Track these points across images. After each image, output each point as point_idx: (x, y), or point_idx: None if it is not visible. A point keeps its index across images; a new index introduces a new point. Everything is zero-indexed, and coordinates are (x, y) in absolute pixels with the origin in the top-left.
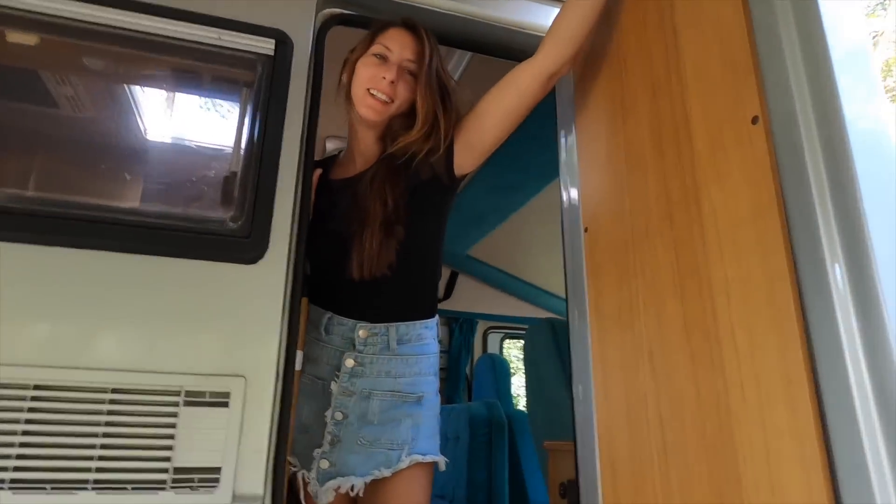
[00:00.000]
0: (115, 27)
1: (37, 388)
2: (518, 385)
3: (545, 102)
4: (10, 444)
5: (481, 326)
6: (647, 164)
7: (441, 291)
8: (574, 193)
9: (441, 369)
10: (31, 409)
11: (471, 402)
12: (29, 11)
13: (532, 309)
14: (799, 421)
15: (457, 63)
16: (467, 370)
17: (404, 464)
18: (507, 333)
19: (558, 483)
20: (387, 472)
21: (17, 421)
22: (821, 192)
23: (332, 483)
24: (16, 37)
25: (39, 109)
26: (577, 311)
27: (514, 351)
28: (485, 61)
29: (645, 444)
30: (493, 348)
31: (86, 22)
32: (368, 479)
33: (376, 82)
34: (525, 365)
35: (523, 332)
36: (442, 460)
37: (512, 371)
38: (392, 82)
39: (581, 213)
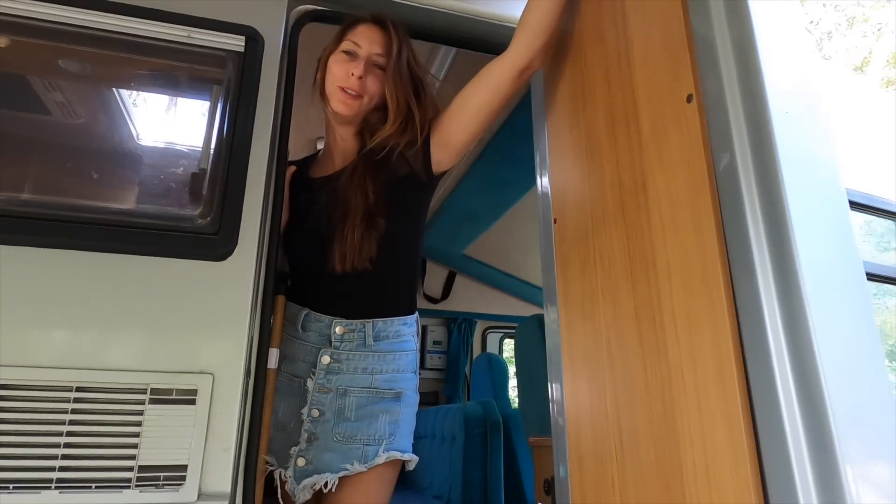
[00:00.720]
0: (84, 27)
1: (1, 387)
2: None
3: (529, 98)
4: None
5: (480, 326)
6: (602, 151)
7: (439, 292)
8: (546, 184)
9: (440, 370)
10: None
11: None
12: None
13: (530, 308)
14: (728, 405)
15: (442, 60)
16: (466, 370)
17: (381, 459)
18: (506, 333)
19: (542, 479)
20: (361, 468)
21: None
22: (746, 172)
23: (308, 481)
24: None
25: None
26: (549, 304)
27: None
28: (470, 57)
29: (605, 437)
30: (492, 348)
31: (55, 23)
32: (342, 473)
33: (345, 78)
34: (516, 362)
35: None
36: (415, 460)
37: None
38: (360, 77)
39: (551, 203)
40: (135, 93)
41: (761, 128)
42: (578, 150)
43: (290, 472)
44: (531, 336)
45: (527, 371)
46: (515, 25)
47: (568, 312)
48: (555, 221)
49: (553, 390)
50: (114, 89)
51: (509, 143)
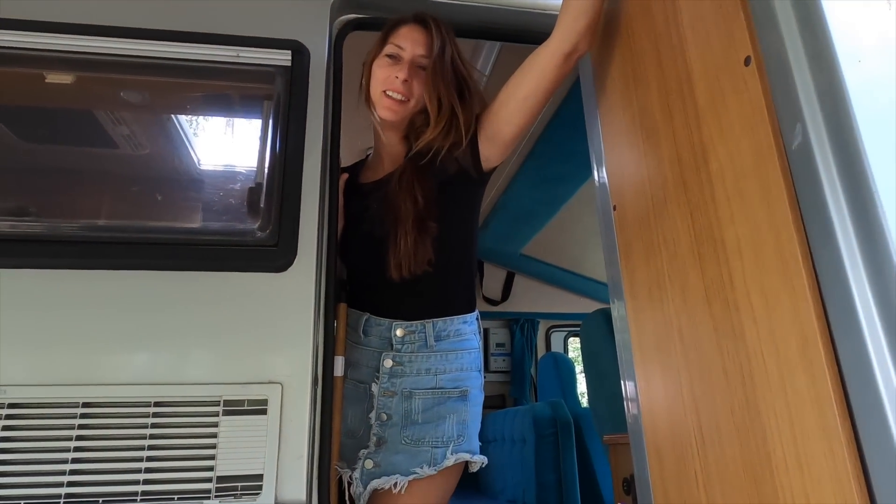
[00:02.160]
0: (142, 57)
1: (85, 405)
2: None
3: (579, 87)
4: (63, 461)
5: (543, 326)
6: (658, 129)
7: (499, 293)
8: (603, 172)
9: (505, 372)
10: (80, 426)
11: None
12: (62, 52)
13: (594, 304)
14: (818, 387)
15: (486, 56)
16: (532, 371)
17: (450, 461)
18: (570, 331)
19: (621, 478)
20: (431, 471)
21: (68, 438)
22: (818, 134)
23: (376, 482)
24: (53, 77)
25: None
26: (615, 296)
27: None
28: (515, 51)
29: (684, 430)
30: (557, 347)
31: (115, 55)
32: (411, 477)
33: (390, 83)
34: (583, 359)
35: None
36: (485, 461)
37: (579, 372)
38: (405, 81)
39: (609, 190)
40: (192, 117)
41: (832, 84)
42: (633, 132)
43: (357, 474)
44: (597, 331)
45: (595, 368)
46: (556, 13)
47: (635, 302)
48: (614, 208)
49: (626, 386)
50: (172, 116)
51: (560, 136)
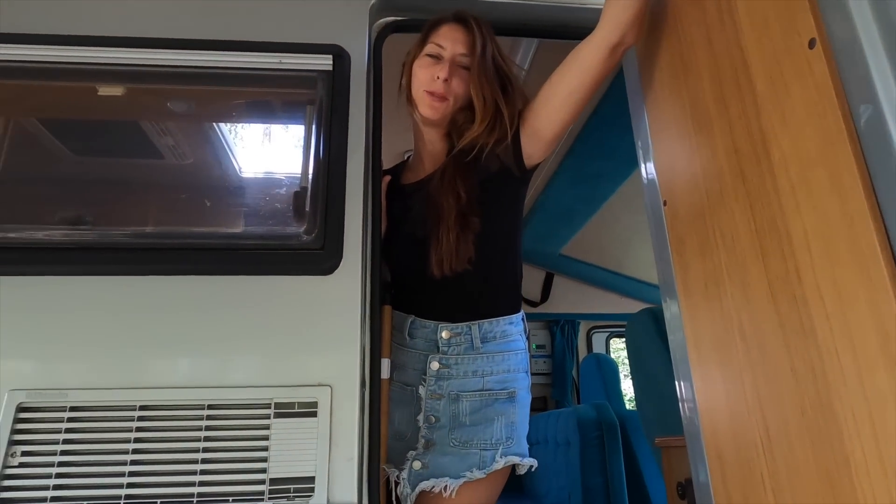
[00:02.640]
0: (188, 67)
1: (142, 408)
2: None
3: (619, 83)
4: (123, 462)
5: (584, 327)
6: (712, 121)
7: (538, 294)
8: (651, 167)
9: (546, 374)
10: (138, 429)
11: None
12: (112, 64)
13: (637, 304)
14: None
15: (523, 54)
16: (574, 373)
17: (499, 465)
18: (612, 332)
19: (674, 482)
20: (480, 474)
21: (127, 440)
22: (894, 115)
23: (425, 484)
24: (105, 90)
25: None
26: (667, 295)
27: (623, 351)
28: (552, 47)
29: (747, 432)
30: (598, 348)
31: (162, 66)
32: (461, 481)
33: (432, 82)
34: (629, 360)
35: None
36: (535, 464)
37: (624, 373)
38: (446, 80)
39: (658, 185)
40: (235, 124)
41: None
42: (683, 124)
43: (404, 475)
44: (644, 331)
45: (642, 369)
46: (595, 6)
47: (689, 300)
48: (664, 204)
49: (682, 388)
50: (215, 126)
51: (600, 133)
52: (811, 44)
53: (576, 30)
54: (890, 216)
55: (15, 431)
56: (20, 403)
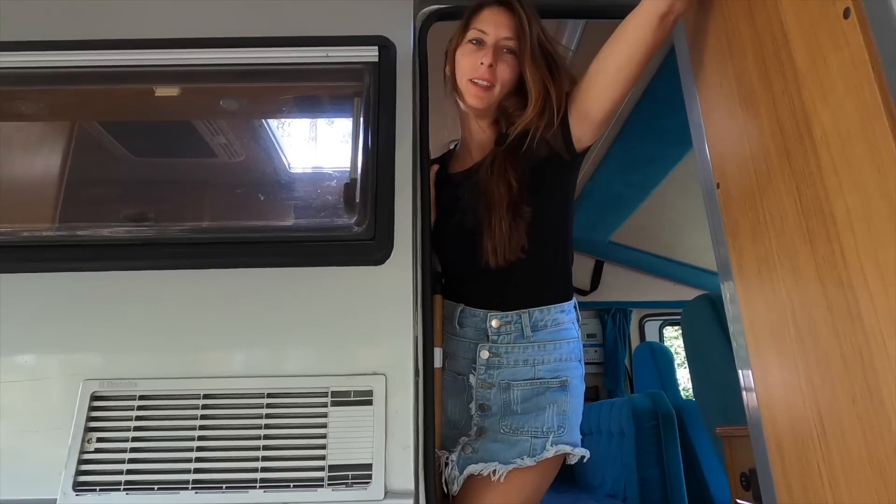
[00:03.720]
0: (239, 65)
1: (206, 396)
2: (685, 375)
3: (672, 61)
4: (189, 449)
5: (636, 315)
6: (757, 99)
7: (587, 283)
8: (704, 149)
9: (598, 363)
10: (202, 417)
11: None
12: (165, 66)
13: (691, 291)
14: None
15: (570, 36)
16: (626, 362)
17: (549, 453)
18: (665, 320)
19: (738, 473)
20: (530, 462)
21: (192, 428)
22: None
23: (474, 468)
24: (161, 91)
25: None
26: (724, 279)
27: (679, 339)
28: (599, 28)
29: (803, 421)
30: (651, 337)
31: (215, 65)
32: (511, 467)
33: (475, 69)
34: (686, 349)
35: None
36: (587, 454)
37: (678, 362)
38: (490, 66)
39: (712, 167)
40: (284, 121)
41: None
42: (731, 103)
43: (454, 457)
44: (701, 318)
45: (700, 357)
46: None
47: (745, 285)
48: (717, 186)
49: (743, 375)
50: (265, 123)
51: (651, 115)
52: (846, 13)
53: (622, 8)
54: None
55: (90, 419)
56: (94, 392)
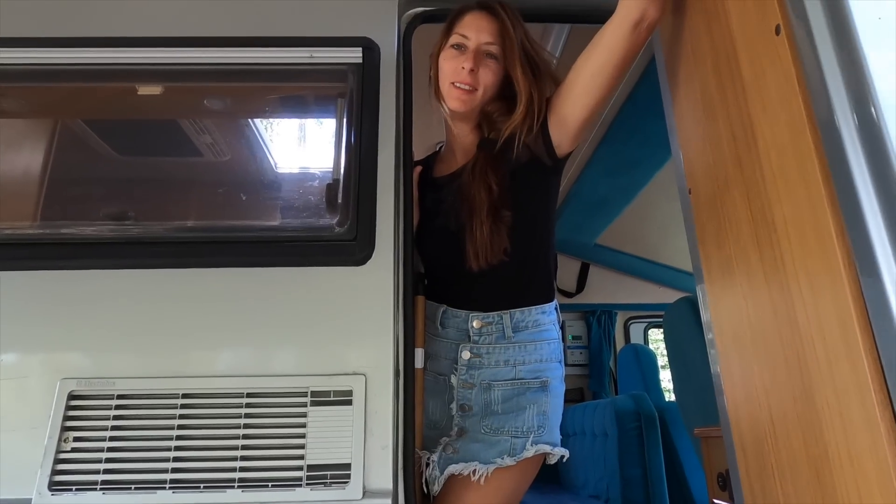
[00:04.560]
0: (222, 64)
1: (184, 396)
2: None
3: (654, 66)
4: (167, 448)
5: (621, 318)
6: (715, 106)
7: (573, 285)
8: (679, 155)
9: (583, 365)
10: (181, 416)
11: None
12: (149, 64)
13: (675, 294)
14: (858, 376)
15: (555, 41)
16: (611, 364)
17: (529, 452)
18: (650, 322)
19: (715, 473)
20: (510, 461)
21: (171, 427)
22: (841, 103)
23: (454, 468)
24: (144, 89)
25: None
26: (698, 282)
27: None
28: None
29: (759, 421)
30: (636, 339)
31: (199, 64)
32: (492, 467)
33: (457, 74)
34: (667, 351)
35: None
36: (566, 454)
37: (662, 364)
38: (472, 70)
39: (685, 174)
40: (268, 120)
41: (852, 53)
42: (696, 110)
43: (434, 458)
44: (682, 320)
45: (681, 358)
46: None
47: (712, 289)
48: (689, 192)
49: (715, 376)
50: (250, 122)
51: (635, 119)
52: (777, 30)
53: (606, 14)
54: (844, 204)
55: (67, 418)
56: (71, 391)
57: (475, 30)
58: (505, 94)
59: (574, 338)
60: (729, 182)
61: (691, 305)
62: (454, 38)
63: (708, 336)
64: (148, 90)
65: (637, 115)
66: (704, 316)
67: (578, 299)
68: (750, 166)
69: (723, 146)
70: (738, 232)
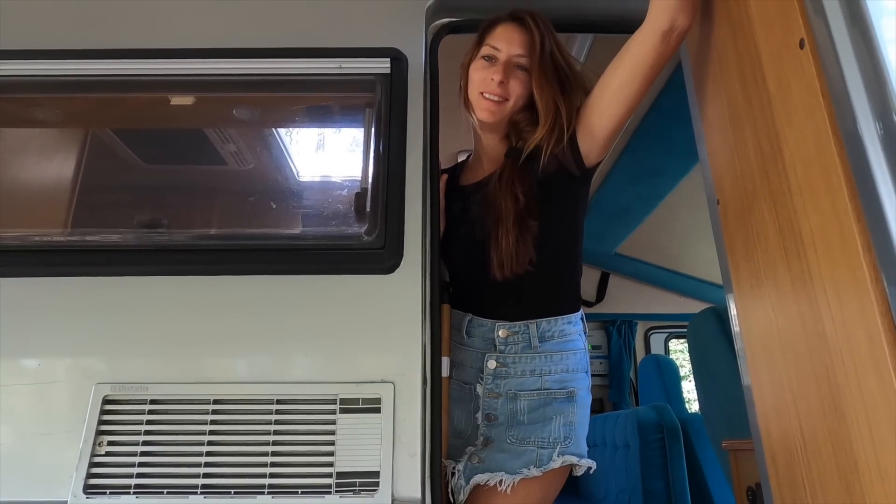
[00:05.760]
0: (253, 75)
1: (216, 402)
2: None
3: (680, 74)
4: (199, 454)
5: (641, 328)
6: (742, 119)
7: (593, 294)
8: (707, 165)
9: (602, 375)
10: (212, 422)
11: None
12: (181, 75)
13: (697, 304)
14: (886, 389)
15: (577, 51)
16: (631, 375)
17: (556, 463)
18: (671, 333)
19: (744, 487)
20: (537, 472)
21: (202, 433)
22: (865, 116)
23: (480, 478)
24: (177, 100)
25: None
26: (728, 293)
27: (684, 352)
28: (609, 43)
29: (789, 435)
30: (657, 350)
31: (229, 75)
32: (518, 478)
33: (486, 84)
34: (692, 362)
35: None
36: (594, 466)
37: (683, 375)
38: (501, 82)
39: (713, 184)
40: (296, 129)
41: (874, 66)
42: (724, 121)
43: (460, 467)
44: (708, 331)
45: (706, 369)
46: None
47: (741, 300)
48: (718, 202)
49: (746, 388)
50: (276, 132)
51: (659, 127)
52: (801, 44)
53: (632, 23)
54: (870, 216)
55: (102, 422)
56: (106, 396)
57: (506, 41)
58: (535, 104)
59: (594, 347)
60: (756, 193)
61: (717, 316)
62: (485, 50)
63: (737, 347)
64: (180, 101)
65: (661, 124)
66: (734, 327)
67: (598, 309)
68: (776, 178)
69: (750, 157)
70: (766, 243)
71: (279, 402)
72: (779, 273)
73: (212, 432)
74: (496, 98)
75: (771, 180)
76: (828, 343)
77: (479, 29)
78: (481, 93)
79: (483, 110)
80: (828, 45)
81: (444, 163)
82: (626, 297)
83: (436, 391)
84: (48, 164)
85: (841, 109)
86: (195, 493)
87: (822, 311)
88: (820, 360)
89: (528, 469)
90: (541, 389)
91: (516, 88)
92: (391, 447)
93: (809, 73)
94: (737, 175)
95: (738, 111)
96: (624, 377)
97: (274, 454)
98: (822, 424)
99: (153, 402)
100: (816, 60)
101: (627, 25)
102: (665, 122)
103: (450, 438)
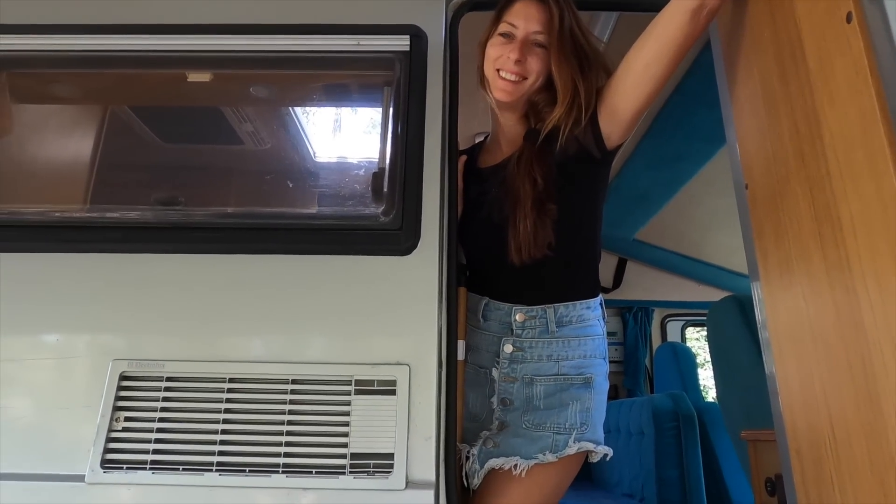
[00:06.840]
0: (271, 51)
1: (231, 380)
2: (705, 377)
3: (705, 57)
4: (214, 431)
5: (658, 315)
6: (777, 99)
7: (610, 280)
8: (736, 149)
9: (618, 362)
10: (227, 400)
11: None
12: (199, 51)
13: (715, 292)
14: None
15: (601, 30)
16: (647, 362)
17: (572, 449)
18: (688, 321)
19: (762, 477)
20: (552, 458)
21: (218, 410)
22: None
23: (494, 462)
24: (194, 76)
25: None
26: (754, 280)
27: (701, 341)
28: (633, 21)
29: (817, 427)
30: (673, 338)
31: (247, 52)
32: (532, 462)
33: (503, 63)
34: (711, 350)
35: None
36: (610, 452)
37: (699, 363)
38: (518, 60)
39: (741, 168)
40: (313, 108)
41: None
42: (756, 102)
43: (474, 451)
44: (727, 319)
45: (725, 358)
46: None
47: (769, 289)
48: (746, 187)
49: (770, 378)
50: (292, 111)
51: (682, 111)
52: (848, 17)
53: (656, 2)
54: None
55: (119, 398)
56: (123, 372)
57: (524, 18)
58: (554, 83)
59: (609, 334)
60: (790, 177)
61: (738, 304)
62: (502, 27)
63: (762, 335)
64: (197, 77)
65: (685, 107)
66: (759, 315)
67: (615, 295)
68: (814, 161)
69: (784, 140)
70: (799, 229)
71: (294, 381)
72: (813, 260)
73: (227, 410)
74: (513, 77)
75: (808, 164)
76: (865, 333)
77: (498, 6)
78: (497, 70)
79: (499, 90)
80: (877, 19)
81: (462, 144)
82: (643, 284)
83: (451, 374)
84: (67, 140)
85: (890, 88)
86: (210, 470)
87: (860, 300)
88: (856, 350)
89: (544, 454)
90: (557, 375)
91: (535, 66)
92: (406, 429)
93: (857, 48)
94: (768, 158)
95: (772, 91)
96: (639, 364)
97: (289, 433)
98: (856, 417)
99: (169, 378)
100: (864, 35)
101: (653, 3)
102: (689, 105)
103: (464, 422)
